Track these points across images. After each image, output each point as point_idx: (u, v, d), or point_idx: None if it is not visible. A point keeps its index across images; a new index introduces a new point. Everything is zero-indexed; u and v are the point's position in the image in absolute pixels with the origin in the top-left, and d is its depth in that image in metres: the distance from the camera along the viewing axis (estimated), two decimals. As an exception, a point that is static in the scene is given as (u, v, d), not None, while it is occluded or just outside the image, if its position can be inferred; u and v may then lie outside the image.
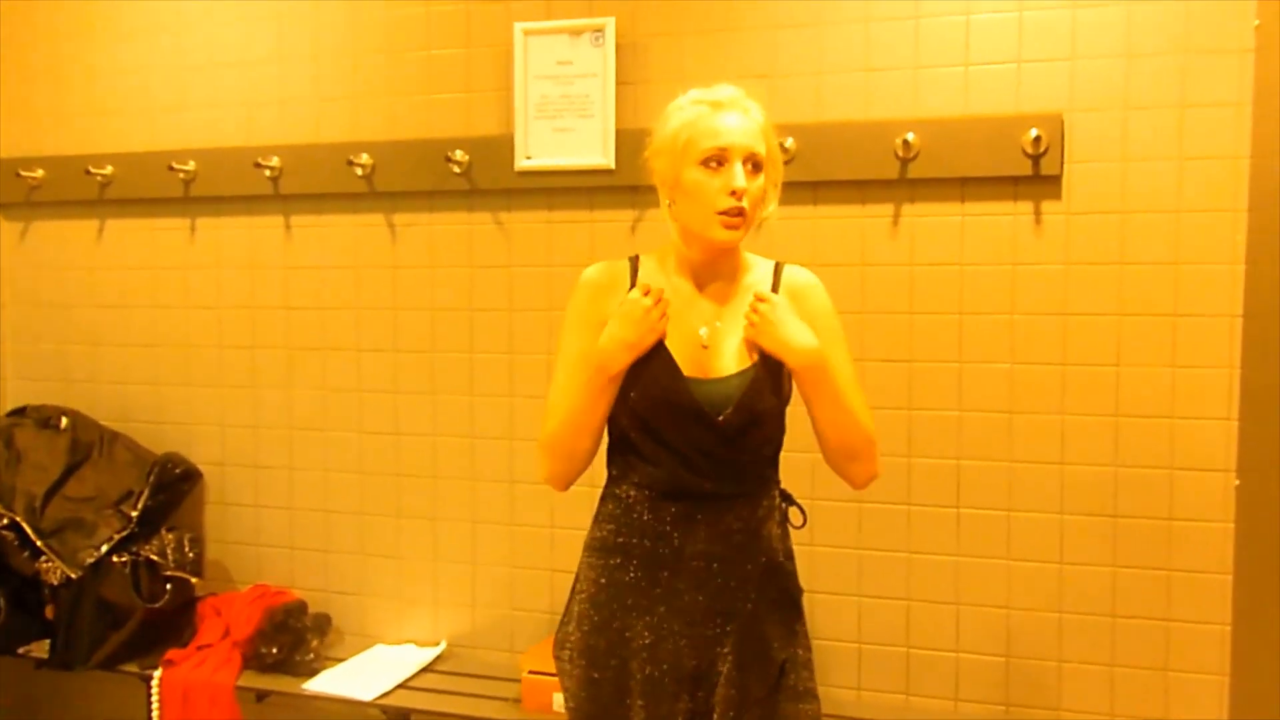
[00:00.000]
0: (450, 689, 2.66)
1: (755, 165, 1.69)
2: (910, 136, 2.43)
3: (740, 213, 1.68)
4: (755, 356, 1.73)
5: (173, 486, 2.98)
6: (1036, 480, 2.43)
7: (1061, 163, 2.37)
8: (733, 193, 1.66)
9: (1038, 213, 2.41)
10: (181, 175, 3.01)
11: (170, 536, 2.90)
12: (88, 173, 3.09)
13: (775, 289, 1.78)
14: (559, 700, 2.43)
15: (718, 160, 1.68)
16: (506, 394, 2.82)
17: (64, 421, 3.04)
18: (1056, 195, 2.39)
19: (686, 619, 1.71)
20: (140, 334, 3.15)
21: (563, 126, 2.70)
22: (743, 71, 2.56)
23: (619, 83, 2.64)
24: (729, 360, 1.74)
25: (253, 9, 2.97)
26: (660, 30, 2.63)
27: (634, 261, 1.82)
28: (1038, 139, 2.35)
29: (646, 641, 1.71)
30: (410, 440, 2.92)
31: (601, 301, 1.78)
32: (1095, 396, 2.38)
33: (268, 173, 2.93)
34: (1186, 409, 2.33)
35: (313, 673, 2.72)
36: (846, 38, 2.49)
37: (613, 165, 2.64)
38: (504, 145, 2.73)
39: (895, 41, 2.46)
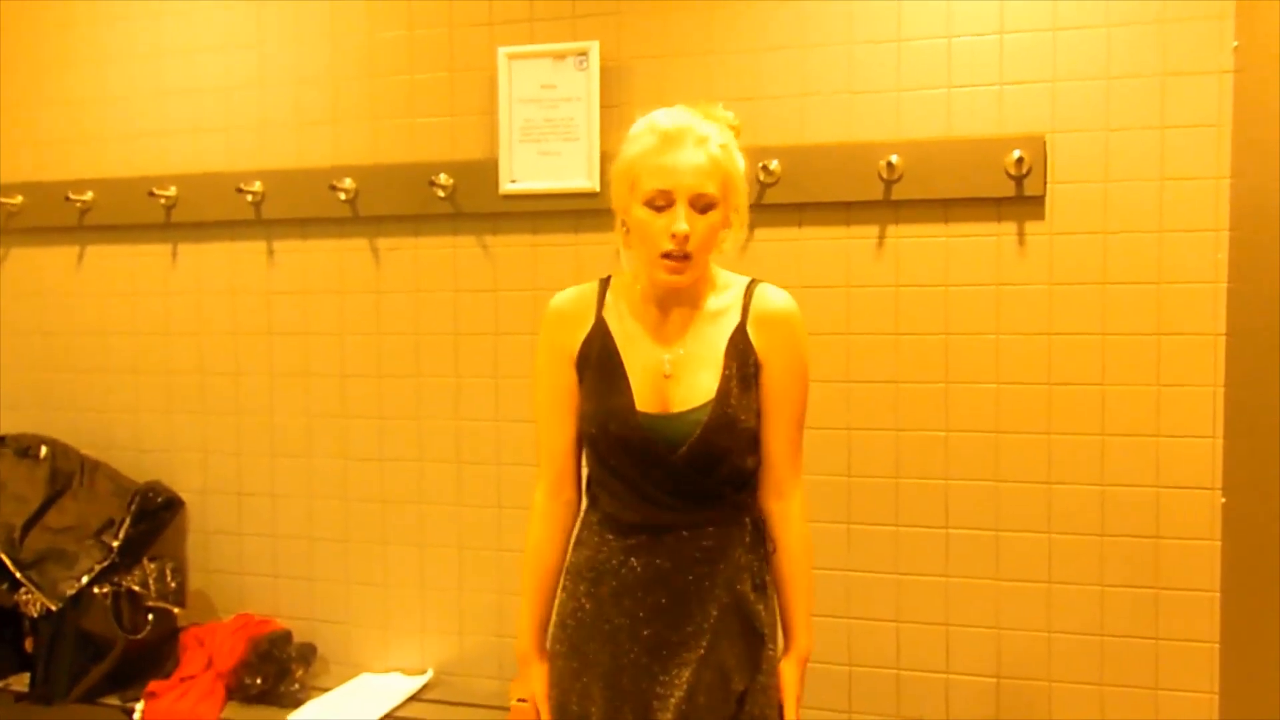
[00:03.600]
0: (438, 717, 2.63)
1: (704, 206, 1.62)
2: (894, 158, 2.44)
3: (685, 255, 1.63)
4: (715, 391, 1.67)
5: (154, 515, 2.95)
6: (1024, 500, 2.43)
7: (1044, 184, 2.38)
8: (674, 236, 1.61)
9: (1021, 233, 2.42)
10: (163, 201, 2.99)
11: (152, 566, 2.87)
12: (68, 199, 3.06)
13: (745, 312, 1.72)
14: (549, 728, 2.42)
15: (663, 202, 1.62)
16: (492, 418, 2.80)
17: (43, 451, 3.00)
18: (1040, 216, 2.40)
19: (645, 647, 1.69)
20: (121, 361, 3.12)
21: (547, 150, 2.70)
22: (727, 94, 2.56)
23: (603, 106, 2.64)
24: (689, 393, 1.68)
25: (234, 34, 2.96)
26: (644, 53, 2.64)
27: (604, 284, 1.79)
28: (1020, 160, 2.36)
29: (607, 667, 1.71)
30: (395, 466, 2.89)
31: (566, 332, 1.76)
32: (1081, 416, 2.39)
33: (250, 198, 2.91)
34: (1172, 427, 2.34)
35: (298, 703, 2.69)
36: (830, 60, 2.51)
37: (597, 188, 2.64)
38: (488, 169, 2.73)
39: (878, 64, 2.48)
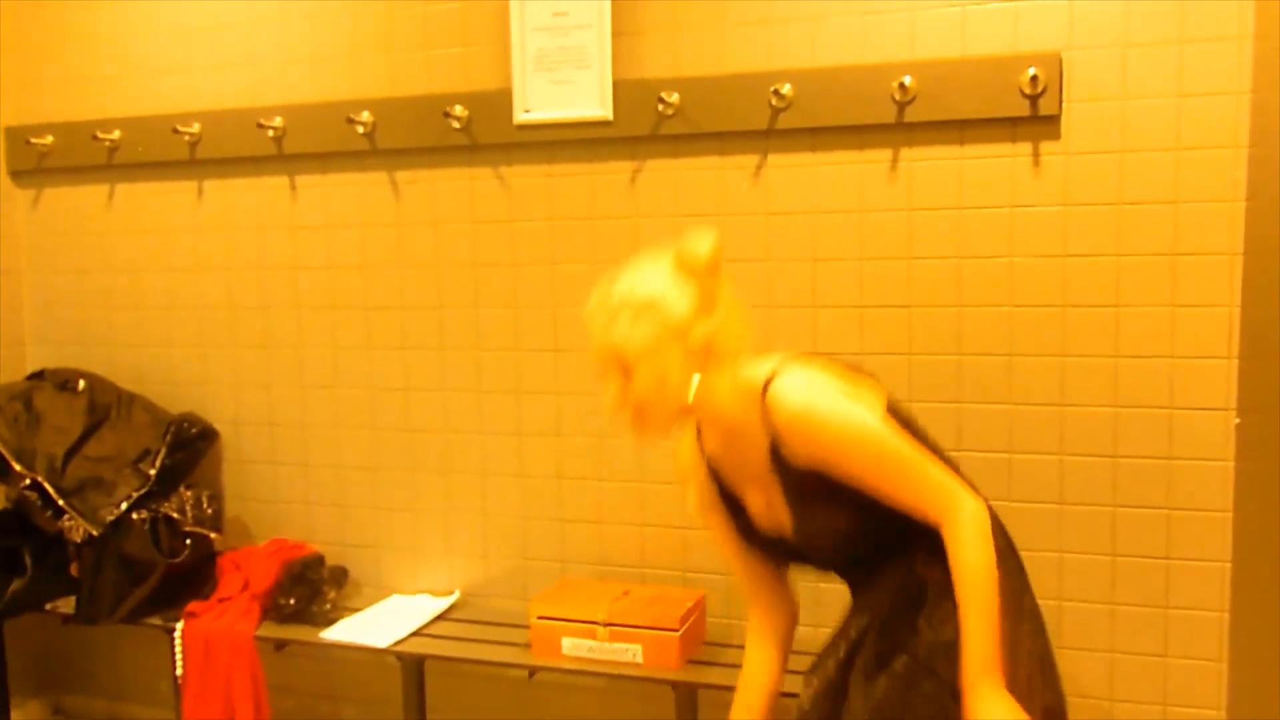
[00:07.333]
0: (464, 635, 2.72)
1: (623, 372, 1.64)
2: (907, 80, 2.41)
3: (633, 420, 1.67)
4: (789, 525, 1.73)
5: (190, 445, 3.04)
6: (1036, 422, 2.43)
7: (1060, 102, 2.34)
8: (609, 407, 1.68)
9: (1036, 154, 2.39)
10: (187, 138, 3.03)
11: (189, 494, 2.97)
12: (96, 138, 3.12)
13: (768, 430, 1.65)
14: (567, 644, 2.51)
15: (601, 375, 1.69)
16: (512, 348, 2.85)
17: (81, 384, 3.10)
18: (1055, 136, 2.37)
19: None
20: (153, 297, 3.20)
21: (561, 79, 2.70)
22: (739, 19, 2.55)
23: (615, 33, 2.63)
24: (783, 519, 1.74)
25: (251, -31, 2.98)
26: (655, -21, 2.62)
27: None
28: (1035, 79, 2.33)
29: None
30: (420, 395, 2.96)
31: (702, 486, 1.86)
32: (1095, 338, 2.38)
33: (271, 133, 2.95)
34: (1186, 348, 2.32)
35: (330, 623, 2.79)
36: (842, -19, 2.48)
37: (610, 117, 2.64)
38: (503, 99, 2.73)
39: (891, -17, 2.44)
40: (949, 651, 1.62)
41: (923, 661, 1.66)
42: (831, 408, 1.63)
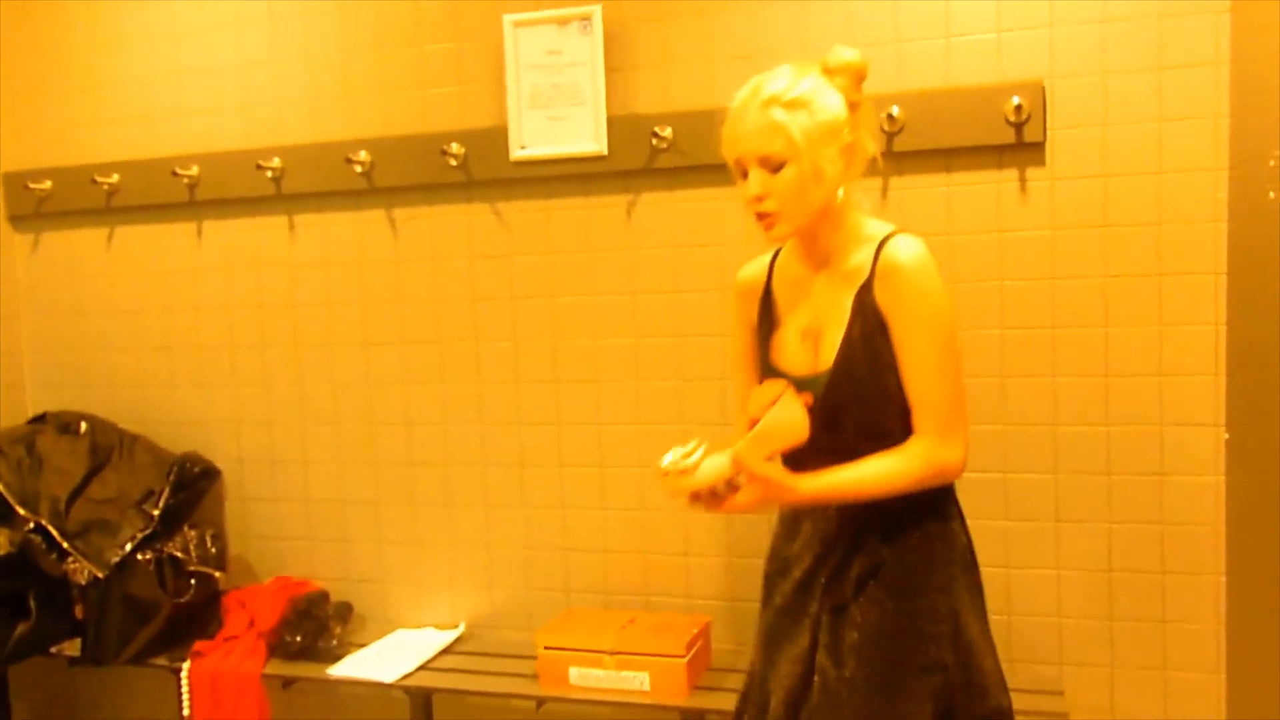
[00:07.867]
0: (470, 668, 2.73)
1: (775, 165, 1.69)
2: (895, 110, 2.47)
3: (766, 215, 1.72)
4: (834, 356, 1.74)
5: (193, 485, 3.06)
6: (1031, 441, 2.48)
7: (1044, 129, 2.41)
8: (749, 201, 1.73)
9: (1022, 180, 2.45)
10: (185, 180, 3.07)
11: (192, 533, 2.98)
12: (94, 181, 3.15)
13: (873, 267, 1.73)
14: (575, 674, 2.53)
15: (739, 171, 1.75)
16: (512, 380, 2.88)
17: (83, 426, 3.12)
18: (1040, 162, 2.43)
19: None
20: (153, 338, 3.23)
21: (555, 115, 2.75)
22: (728, 53, 2.61)
23: (608, 69, 2.68)
24: (828, 353, 1.76)
25: (245, 11, 3.02)
26: (646, 15, 2.67)
27: (776, 252, 1.92)
28: (1019, 107, 2.39)
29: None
30: (421, 429, 2.98)
31: (746, 305, 1.92)
32: (1085, 358, 2.43)
33: (269, 174, 2.99)
34: (1174, 366, 2.38)
35: (336, 658, 2.80)
36: (829, 14, 2.53)
37: (605, 151, 2.69)
38: (498, 136, 2.78)
39: (877, 16, 2.50)
40: (909, 580, 1.75)
41: (889, 591, 1.76)
42: (937, 287, 1.73)
